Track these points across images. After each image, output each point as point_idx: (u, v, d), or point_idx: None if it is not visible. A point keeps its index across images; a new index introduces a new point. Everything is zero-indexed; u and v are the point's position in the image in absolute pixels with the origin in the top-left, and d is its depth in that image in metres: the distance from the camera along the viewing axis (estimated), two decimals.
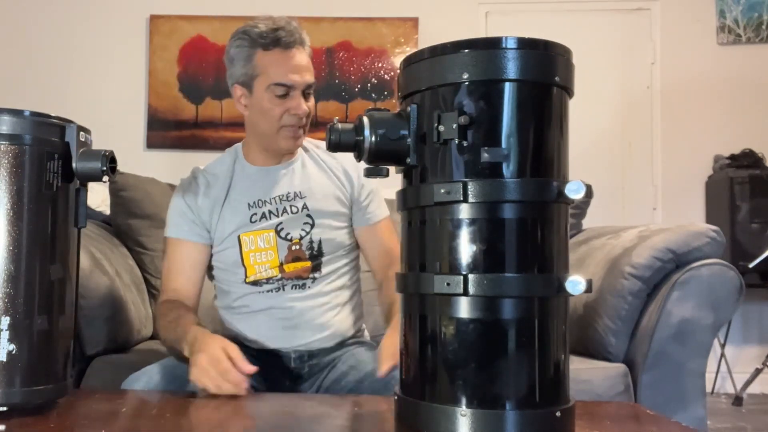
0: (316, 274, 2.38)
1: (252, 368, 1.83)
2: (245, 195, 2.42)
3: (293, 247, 2.36)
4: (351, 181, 2.50)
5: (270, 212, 2.40)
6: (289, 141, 2.38)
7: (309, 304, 2.36)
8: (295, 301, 2.35)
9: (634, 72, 6.12)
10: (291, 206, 2.40)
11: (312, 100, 2.41)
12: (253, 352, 2.34)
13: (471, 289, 1.29)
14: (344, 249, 2.47)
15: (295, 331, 2.35)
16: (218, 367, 1.82)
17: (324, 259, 2.40)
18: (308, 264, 2.38)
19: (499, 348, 1.30)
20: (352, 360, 2.26)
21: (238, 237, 2.38)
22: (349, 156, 2.33)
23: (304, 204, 2.41)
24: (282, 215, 2.39)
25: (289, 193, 2.43)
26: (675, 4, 6.07)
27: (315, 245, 2.39)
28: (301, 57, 2.35)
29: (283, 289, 2.35)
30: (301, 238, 2.38)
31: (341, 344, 2.41)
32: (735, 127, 5.95)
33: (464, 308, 1.30)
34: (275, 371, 2.34)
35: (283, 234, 2.37)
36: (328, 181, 2.49)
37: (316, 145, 2.57)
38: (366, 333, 2.60)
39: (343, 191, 2.48)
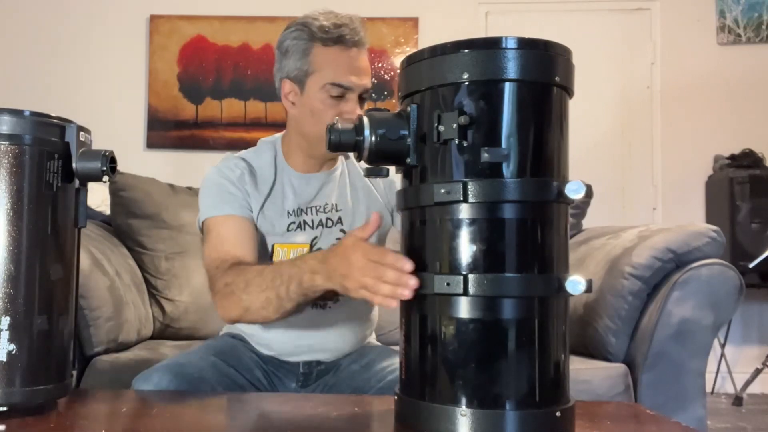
0: (342, 297, 2.23)
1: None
2: (286, 201, 2.27)
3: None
4: (392, 189, 2.39)
5: (305, 222, 2.26)
6: None
7: (327, 323, 2.27)
8: (313, 319, 2.25)
9: (634, 72, 6.12)
10: (327, 219, 2.28)
11: (366, 107, 2.20)
12: (262, 356, 2.31)
13: (471, 289, 1.29)
14: None
15: (308, 346, 2.28)
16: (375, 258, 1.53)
17: None
18: None
19: (499, 348, 1.30)
20: (362, 360, 2.24)
21: (272, 246, 2.24)
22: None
23: (339, 217, 2.29)
24: (317, 227, 2.26)
25: (327, 204, 2.29)
26: (675, 4, 6.07)
27: None
28: (363, 59, 2.20)
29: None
30: None
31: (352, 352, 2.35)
32: (735, 127, 5.95)
33: (464, 308, 1.31)
34: (281, 372, 2.30)
35: (315, 250, 2.21)
36: (365, 196, 2.37)
37: None
38: (373, 335, 2.55)
39: (381, 202, 2.39)
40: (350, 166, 2.41)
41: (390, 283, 1.46)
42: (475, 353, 1.30)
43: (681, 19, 6.07)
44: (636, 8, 6.11)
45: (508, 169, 1.31)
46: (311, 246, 2.24)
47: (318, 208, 2.28)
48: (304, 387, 2.30)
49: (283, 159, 2.33)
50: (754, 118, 5.96)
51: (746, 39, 6.02)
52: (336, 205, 2.30)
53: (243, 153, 2.35)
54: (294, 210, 2.26)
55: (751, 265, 5.22)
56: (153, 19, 6.18)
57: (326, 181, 2.32)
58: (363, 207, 2.34)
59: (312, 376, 2.30)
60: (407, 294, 1.40)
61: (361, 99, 2.21)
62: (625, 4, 6.11)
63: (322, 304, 2.24)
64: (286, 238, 2.24)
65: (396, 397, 1.45)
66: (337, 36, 2.15)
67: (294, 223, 2.25)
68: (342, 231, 2.27)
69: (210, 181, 2.25)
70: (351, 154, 2.30)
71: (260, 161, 2.32)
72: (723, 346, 5.55)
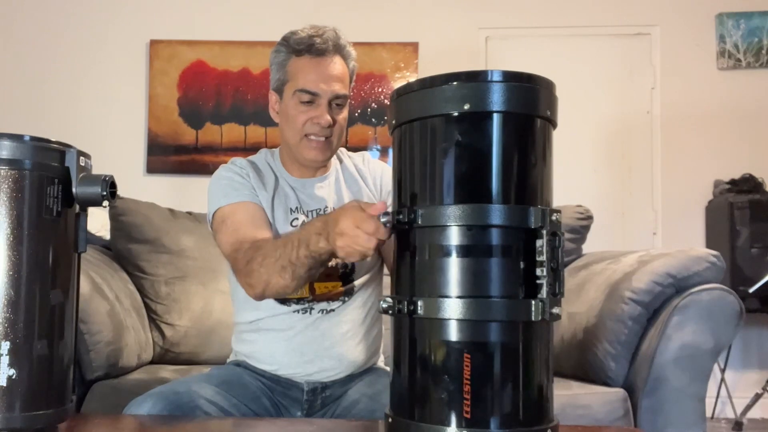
0: (346, 298, 2.32)
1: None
2: (288, 199, 2.36)
3: (329, 264, 2.16)
4: (381, 189, 2.45)
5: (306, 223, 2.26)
6: (311, 152, 2.30)
7: (332, 330, 2.29)
8: (319, 325, 2.28)
9: (634, 97, 6.12)
10: None
11: (344, 113, 2.34)
12: (265, 380, 2.30)
13: (458, 313, 1.31)
14: (374, 269, 2.40)
15: (312, 356, 2.28)
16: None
17: (356, 281, 2.33)
18: (338, 285, 2.30)
19: (486, 370, 1.31)
20: (365, 388, 2.22)
21: None
22: (382, 163, 2.36)
23: None
24: None
25: (326, 207, 2.36)
26: (675, 29, 6.09)
27: (348, 263, 2.29)
28: (334, 66, 2.29)
29: (310, 313, 2.28)
30: None
31: (356, 375, 2.34)
32: (735, 152, 5.95)
33: (452, 331, 1.32)
34: (287, 400, 2.29)
35: None
36: (360, 195, 2.42)
37: (349, 156, 2.55)
38: (381, 358, 2.54)
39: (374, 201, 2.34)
40: (345, 172, 2.49)
41: (362, 246, 1.62)
42: (463, 375, 1.30)
43: (681, 44, 6.08)
44: (636, 33, 6.12)
45: (493, 196, 1.33)
46: None
47: (317, 211, 2.36)
48: (309, 415, 2.29)
49: (280, 165, 2.45)
50: (754, 143, 5.97)
51: (746, 64, 6.04)
52: (333, 207, 2.34)
53: (245, 158, 2.46)
54: (296, 208, 2.36)
55: (751, 290, 5.21)
56: (153, 44, 6.20)
57: (320, 185, 2.41)
58: None
59: (317, 403, 2.30)
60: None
61: (336, 105, 2.31)
62: (625, 29, 6.12)
63: (329, 308, 2.29)
64: None
65: (386, 417, 1.45)
66: (307, 46, 2.27)
67: (297, 219, 2.33)
68: None
69: (218, 178, 2.36)
70: (345, 159, 2.46)
71: (262, 163, 2.43)
72: (723, 370, 5.54)
